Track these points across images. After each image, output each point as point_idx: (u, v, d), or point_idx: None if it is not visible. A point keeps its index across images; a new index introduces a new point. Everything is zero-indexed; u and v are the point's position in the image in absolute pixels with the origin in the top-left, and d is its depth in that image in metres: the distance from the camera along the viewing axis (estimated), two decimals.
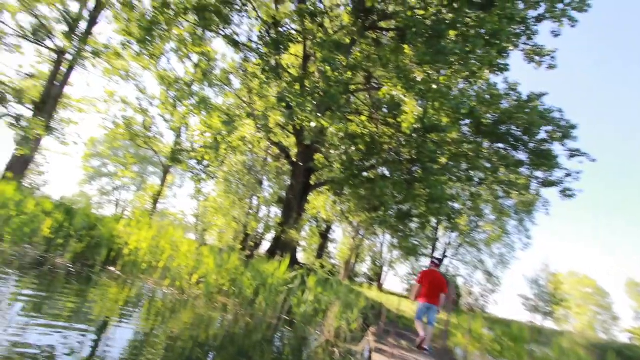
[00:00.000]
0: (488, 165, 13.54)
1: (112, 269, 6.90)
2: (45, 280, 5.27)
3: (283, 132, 17.34)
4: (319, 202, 23.00)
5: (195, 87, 13.86)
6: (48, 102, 11.19)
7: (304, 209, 16.48)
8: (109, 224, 7.44)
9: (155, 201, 19.44)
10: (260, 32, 11.47)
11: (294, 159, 15.07)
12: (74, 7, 12.13)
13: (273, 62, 11.03)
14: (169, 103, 18.13)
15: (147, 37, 9.65)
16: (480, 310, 27.25)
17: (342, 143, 11.17)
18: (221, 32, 12.22)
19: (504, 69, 9.40)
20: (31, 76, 12.26)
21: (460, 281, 29.55)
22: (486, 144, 13.53)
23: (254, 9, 11.59)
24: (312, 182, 15.61)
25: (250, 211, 28.00)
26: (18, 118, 10.45)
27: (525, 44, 10.47)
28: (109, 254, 6.94)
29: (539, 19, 10.09)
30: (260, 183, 28.50)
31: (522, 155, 13.52)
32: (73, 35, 11.73)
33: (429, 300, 5.62)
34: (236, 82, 18.20)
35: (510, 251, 28.54)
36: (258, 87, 15.45)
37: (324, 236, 29.31)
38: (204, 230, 21.56)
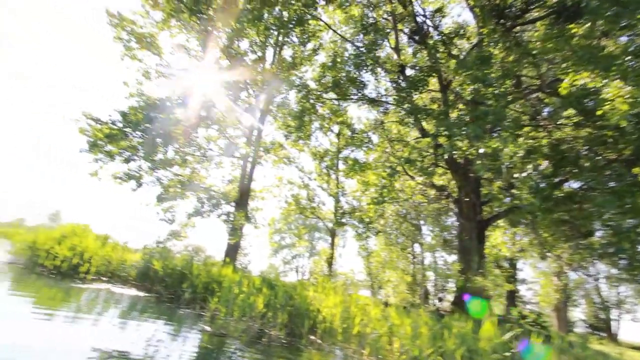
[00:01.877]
0: None
1: (313, 337, 7.28)
2: (266, 352, 5.91)
3: (433, 169, 16.38)
4: (495, 239, 19.68)
5: (346, 152, 14.97)
6: (243, 198, 14.30)
7: (483, 250, 14.21)
8: (303, 293, 8.10)
9: (330, 264, 20.98)
10: (392, 81, 11.79)
11: (456, 196, 13.64)
12: (247, 120, 15.77)
13: (408, 106, 10.95)
14: (324, 173, 20.38)
15: (299, 124, 11.36)
16: None
17: (524, 162, 9.33)
18: (354, 97, 13.26)
19: None
20: (230, 181, 16.17)
21: None
22: None
23: (379, 65, 12.16)
24: (484, 217, 13.53)
25: (415, 259, 26.27)
26: (228, 214, 13.65)
27: None
28: (311, 322, 7.38)
29: None
30: (419, 229, 26.92)
31: None
32: (250, 142, 15.06)
33: None
34: (374, 137, 18.89)
35: None
36: (398, 134, 15.49)
37: (511, 278, 24.30)
38: (379, 288, 21.33)
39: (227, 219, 13.19)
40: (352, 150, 15.74)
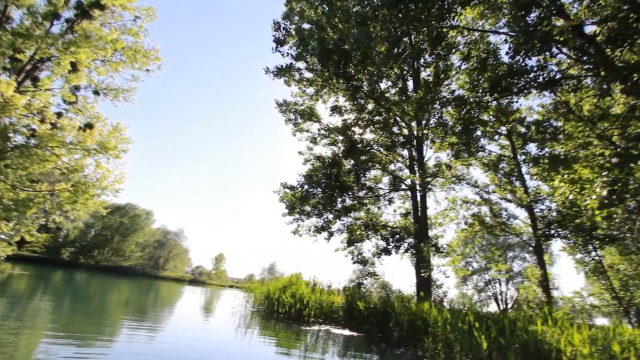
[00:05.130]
0: None
1: None
2: None
3: None
4: None
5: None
6: (422, 228, 14.00)
7: None
8: (529, 327, 6.82)
9: (545, 288, 17.09)
10: (573, 48, 9.56)
11: None
12: (405, 152, 15.86)
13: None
14: (504, 182, 17.70)
15: (467, 139, 10.52)
16: None
17: None
18: (522, 88, 11.38)
19: None
20: (403, 215, 16.26)
21: None
22: None
23: (546, 39, 10.14)
24: None
25: None
26: (415, 247, 13.57)
27: None
28: None
29: None
30: None
31: None
32: (413, 171, 14.96)
33: None
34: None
35: None
36: (597, 110, 12.00)
37: None
38: (625, 312, 15.81)
39: (414, 252, 13.08)
40: (539, 147, 13.12)
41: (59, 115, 18.82)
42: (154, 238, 67.45)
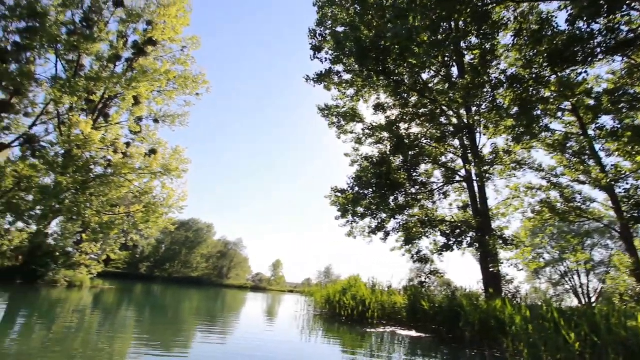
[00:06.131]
0: None
1: None
2: None
3: None
4: None
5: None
6: (483, 221, 13.13)
7: None
8: (628, 323, 6.00)
9: (639, 277, 14.92)
10: None
11: None
12: (457, 141, 15.05)
13: None
14: (575, 162, 15.93)
15: (529, 121, 9.70)
16: None
17: None
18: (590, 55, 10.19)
19: None
20: (461, 208, 15.40)
21: None
22: None
23: None
24: None
25: None
26: (478, 241, 12.79)
27: None
28: None
29: None
30: None
31: None
32: (467, 161, 14.13)
33: None
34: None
35: None
36: None
37: None
38: None
39: (478, 246, 12.31)
40: (616, 119, 11.64)
41: (128, 144, 21.09)
42: (216, 249, 71.84)
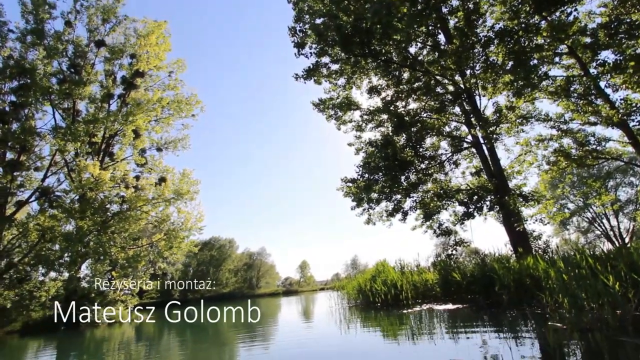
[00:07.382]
0: None
1: None
2: None
3: None
4: None
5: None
6: (499, 182, 12.95)
7: None
8: None
9: None
10: None
11: None
12: (457, 108, 14.81)
13: None
14: (582, 104, 15.49)
15: (526, 72, 9.47)
16: None
17: None
18: None
19: None
20: (474, 174, 15.19)
21: None
22: None
23: None
24: None
25: None
26: (498, 203, 12.62)
27: None
28: None
29: None
30: None
31: None
32: (472, 125, 13.91)
33: None
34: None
35: None
36: None
37: None
38: None
39: (499, 209, 12.14)
40: (616, 51, 11.23)
41: (137, 178, 21.51)
42: (241, 262, 72.74)
